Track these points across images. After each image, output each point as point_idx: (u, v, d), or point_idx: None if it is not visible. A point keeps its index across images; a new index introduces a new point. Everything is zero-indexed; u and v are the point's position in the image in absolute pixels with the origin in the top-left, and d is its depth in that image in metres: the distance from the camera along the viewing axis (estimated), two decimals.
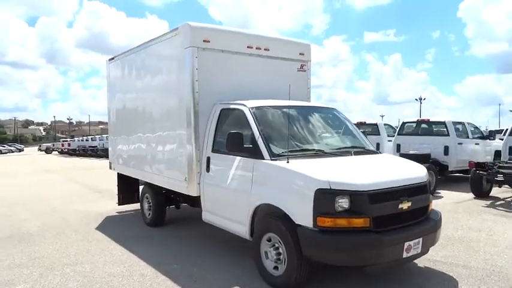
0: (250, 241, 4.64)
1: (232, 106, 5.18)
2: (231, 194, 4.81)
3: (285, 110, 5.09)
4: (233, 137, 4.52)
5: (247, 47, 5.81)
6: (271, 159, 4.33)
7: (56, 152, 43.10)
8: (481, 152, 11.92)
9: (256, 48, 5.89)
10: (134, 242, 6.13)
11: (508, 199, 9.51)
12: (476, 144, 11.74)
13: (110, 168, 8.51)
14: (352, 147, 4.99)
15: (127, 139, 7.47)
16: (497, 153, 12.20)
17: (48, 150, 45.34)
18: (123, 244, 6.04)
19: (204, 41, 5.39)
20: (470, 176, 9.54)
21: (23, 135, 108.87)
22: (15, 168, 22.02)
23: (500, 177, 8.68)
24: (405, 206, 4.05)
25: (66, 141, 45.03)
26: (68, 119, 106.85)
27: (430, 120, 12.01)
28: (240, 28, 6.65)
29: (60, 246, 6.04)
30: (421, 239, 4.08)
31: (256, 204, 4.42)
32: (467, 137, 11.61)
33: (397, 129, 12.77)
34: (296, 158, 4.31)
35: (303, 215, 3.87)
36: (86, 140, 40.64)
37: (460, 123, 11.76)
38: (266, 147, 4.42)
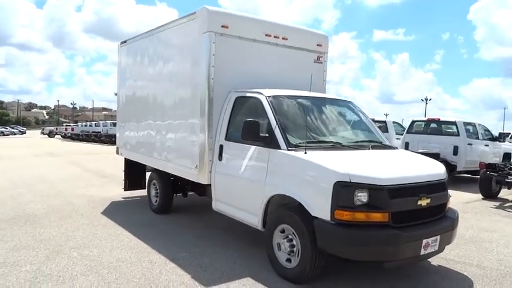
0: (262, 232, 4.57)
1: (248, 94, 5.07)
2: (244, 184, 4.72)
3: (301, 100, 5.00)
4: (249, 126, 4.42)
5: (266, 35, 5.68)
6: (288, 150, 4.22)
7: (59, 136, 43.02)
8: (490, 153, 11.79)
9: (275, 36, 5.76)
10: (141, 229, 6.06)
11: None
12: (485, 145, 11.61)
13: (117, 153, 8.44)
14: (370, 141, 4.88)
15: (136, 125, 7.37)
16: (506, 156, 12.09)
17: (51, 134, 45.24)
18: (130, 230, 5.96)
19: (222, 26, 5.27)
20: (480, 176, 9.44)
21: (25, 118, 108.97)
22: (18, 151, 21.97)
23: (511, 179, 8.57)
24: (424, 202, 3.96)
25: (70, 125, 44.94)
26: (71, 103, 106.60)
27: (441, 119, 11.88)
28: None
29: (66, 229, 5.97)
30: (438, 237, 4.00)
31: (271, 194, 4.33)
32: (477, 138, 11.48)
33: (407, 128, 12.64)
34: (313, 149, 4.21)
35: (320, 207, 3.78)
36: (90, 126, 40.51)
37: (470, 123, 11.63)
38: (283, 137, 4.32)
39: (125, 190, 8.26)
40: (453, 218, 4.32)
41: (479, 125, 11.86)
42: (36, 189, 9.21)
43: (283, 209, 4.23)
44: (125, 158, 8.16)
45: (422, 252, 3.88)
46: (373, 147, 4.66)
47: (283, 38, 5.85)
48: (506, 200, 9.39)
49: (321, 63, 6.40)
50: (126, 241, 5.47)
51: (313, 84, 6.09)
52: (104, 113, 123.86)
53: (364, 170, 3.79)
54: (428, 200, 3.98)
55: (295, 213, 4.05)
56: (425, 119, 12.50)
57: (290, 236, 4.17)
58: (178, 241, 5.50)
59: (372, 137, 5.07)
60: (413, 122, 12.42)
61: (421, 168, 4.30)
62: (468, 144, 10.93)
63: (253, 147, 4.62)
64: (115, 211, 7.20)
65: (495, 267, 4.85)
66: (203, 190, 6.35)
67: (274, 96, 4.78)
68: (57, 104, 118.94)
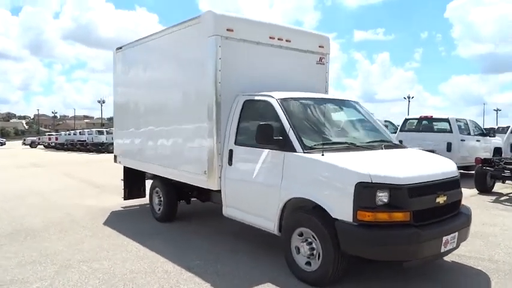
0: (274, 235, 4.54)
1: (257, 97, 5.03)
2: (257, 188, 4.67)
3: (311, 102, 5.00)
4: (263, 129, 4.38)
5: (270, 37, 5.66)
6: (304, 152, 4.20)
7: (42, 146, 42.07)
8: (481, 148, 12.04)
9: (278, 39, 5.75)
10: (148, 238, 5.94)
11: (511, 194, 9.61)
12: (477, 141, 11.85)
13: (115, 161, 8.26)
14: (381, 141, 4.90)
15: (137, 132, 7.23)
16: (496, 150, 12.34)
17: (33, 144, 44.18)
18: (137, 240, 5.84)
19: (227, 29, 5.22)
20: (475, 171, 9.61)
21: (4, 128, 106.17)
22: (2, 162, 21.38)
23: (507, 173, 8.75)
24: (441, 200, 3.99)
25: (53, 134, 44.01)
26: (52, 112, 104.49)
27: (433, 117, 12.07)
28: None
29: (70, 242, 5.81)
30: (456, 234, 4.04)
31: (287, 198, 4.29)
32: (469, 134, 11.71)
33: (400, 126, 12.81)
34: (329, 151, 4.19)
35: (341, 209, 3.77)
36: (74, 134, 39.75)
37: (462, 120, 11.85)
38: (298, 140, 4.29)
39: (124, 199, 8.10)
40: (468, 214, 4.37)
41: (470, 121, 12.10)
42: (29, 202, 8.95)
43: (302, 212, 4.20)
44: (124, 167, 8.01)
45: (443, 249, 3.91)
46: (386, 147, 4.68)
47: (286, 40, 5.84)
48: (501, 194, 9.58)
49: (323, 64, 6.41)
50: (135, 251, 5.35)
51: (316, 85, 6.18)
52: (85, 121, 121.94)
53: (384, 170, 3.79)
54: (445, 198, 4.01)
55: (314, 216, 4.03)
56: (417, 116, 12.69)
57: (309, 239, 4.13)
58: (189, 249, 5.42)
59: (382, 136, 5.09)
60: (406, 120, 12.60)
61: (436, 166, 4.33)
62: (461, 140, 11.14)
63: (266, 151, 4.58)
64: (117, 221, 7.04)
65: (507, 261, 4.92)
66: (208, 196, 6.31)
67: (285, 99, 4.76)
68: (37, 113, 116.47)
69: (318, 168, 4.02)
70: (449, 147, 11.00)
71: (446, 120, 11.36)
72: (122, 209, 8.14)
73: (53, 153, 31.42)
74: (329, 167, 3.92)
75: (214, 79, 5.17)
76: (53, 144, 37.97)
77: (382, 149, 4.61)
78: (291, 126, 4.39)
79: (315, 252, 4.08)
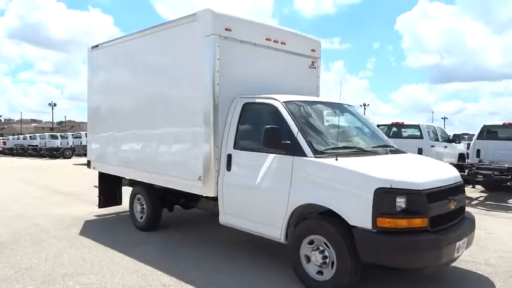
0: (285, 244, 4.35)
1: (258, 100, 4.83)
2: (261, 194, 4.46)
3: (312, 105, 4.88)
4: (271, 132, 4.19)
5: (266, 39, 5.50)
6: (315, 157, 4.05)
7: None
8: (448, 154, 12.53)
9: (274, 41, 5.59)
10: (134, 248, 5.53)
11: (481, 198, 10.03)
12: (444, 147, 12.31)
13: (89, 167, 7.71)
14: (384, 146, 4.86)
15: (116, 136, 6.77)
16: (461, 156, 12.90)
17: None
18: (121, 251, 5.42)
19: (226, 29, 5.00)
20: None
21: None
22: None
23: (480, 178, 9.11)
24: (452, 205, 3.98)
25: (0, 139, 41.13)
26: None
27: (404, 123, 12.41)
28: None
29: (47, 255, 5.28)
30: (466, 239, 4.04)
31: (297, 204, 4.11)
32: (437, 140, 12.14)
33: None
34: (340, 155, 4.07)
35: (359, 215, 3.65)
36: (24, 139, 37.37)
37: (430, 126, 12.27)
38: (308, 144, 4.14)
39: (99, 207, 7.57)
40: (472, 219, 4.41)
41: (437, 127, 12.57)
42: None
43: (313, 219, 4.04)
44: (100, 173, 7.49)
45: (455, 255, 3.90)
46: (391, 152, 4.64)
47: (281, 43, 5.70)
48: (471, 198, 9.96)
49: (315, 68, 6.33)
50: (124, 264, 4.95)
51: (307, 90, 6.08)
52: (33, 125, 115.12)
53: (402, 175, 3.72)
54: (455, 203, 4.02)
55: (328, 223, 3.88)
56: (389, 123, 13.00)
57: (321, 247, 3.98)
58: (181, 259, 5.09)
59: (383, 141, 5.06)
60: (377, 126, 12.84)
61: (444, 171, 4.33)
62: (431, 146, 11.51)
63: (271, 155, 4.39)
64: (94, 231, 6.53)
65: (501, 264, 5.03)
66: (197, 203, 6.03)
67: (290, 102, 4.60)
68: None
69: (332, 173, 3.88)
70: (420, 152, 11.31)
71: (417, 126, 11.73)
72: (96, 217, 7.60)
73: (3, 159, 29.32)
74: (346, 172, 3.79)
75: (212, 81, 4.91)
76: (1, 149, 35.46)
77: (388, 153, 4.57)
78: (299, 130, 4.23)
79: (327, 260, 3.93)
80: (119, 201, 7.73)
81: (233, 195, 4.81)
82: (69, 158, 27.42)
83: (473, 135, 11.98)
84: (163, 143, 5.77)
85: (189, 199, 6.25)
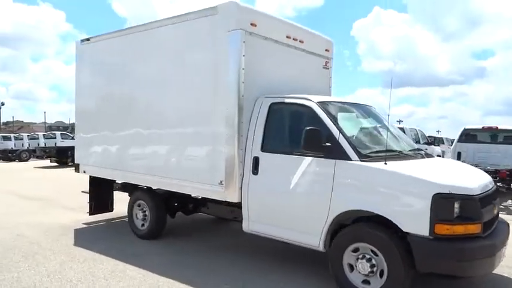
0: (322, 252, 4.12)
1: (288, 100, 4.58)
2: (296, 200, 4.21)
3: (344, 106, 4.68)
4: (312, 134, 3.95)
5: (286, 36, 5.26)
6: (361, 161, 3.86)
7: None
8: None
9: (294, 39, 5.37)
10: (143, 259, 5.10)
11: None
12: (425, 149, 12.61)
13: (77, 171, 7.07)
14: (417, 149, 4.76)
15: (114, 137, 6.23)
16: None
17: None
18: (131, 262, 4.97)
19: (251, 24, 4.70)
20: None
21: None
22: None
23: None
24: (495, 210, 3.94)
25: None
26: None
27: None
28: None
29: (48, 270, 4.72)
30: (507, 243, 4.01)
31: (340, 210, 3.90)
32: (418, 142, 12.42)
33: None
34: (383, 159, 3.91)
35: (415, 222, 3.49)
36: None
37: (413, 129, 12.54)
38: (352, 147, 3.94)
39: (90, 214, 6.98)
40: (507, 223, 4.39)
41: (418, 130, 12.86)
42: None
43: (360, 226, 3.84)
44: (91, 177, 6.91)
45: (501, 260, 3.84)
46: (427, 156, 4.54)
47: (300, 41, 5.48)
48: None
49: (328, 69, 6.17)
50: (139, 277, 4.52)
51: (322, 90, 5.90)
52: None
53: (456, 180, 3.62)
54: (496, 207, 3.98)
55: (377, 230, 3.70)
56: None
57: (367, 255, 3.78)
58: (203, 270, 4.74)
59: (412, 144, 4.97)
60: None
61: (481, 175, 4.28)
62: None
63: (308, 158, 4.15)
64: (89, 241, 5.97)
65: None
66: (208, 209, 5.68)
67: (325, 102, 4.39)
68: None
69: (383, 178, 3.70)
70: None
71: (402, 129, 11.92)
72: (86, 226, 7.00)
73: None
74: (400, 177, 3.62)
75: (237, 79, 4.60)
76: None
77: (424, 157, 4.46)
78: (340, 132, 4.02)
79: (375, 269, 3.74)
80: (110, 208, 7.19)
81: (261, 201, 4.52)
82: (27, 160, 25.67)
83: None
84: (175, 145, 5.35)
85: (197, 204, 5.88)
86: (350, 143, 3.96)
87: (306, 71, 5.76)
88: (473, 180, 3.82)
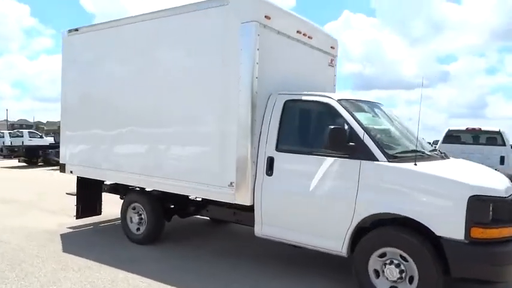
0: (344, 257, 3.92)
1: (305, 98, 4.36)
2: (317, 203, 3.99)
3: (362, 104, 4.51)
4: (336, 133, 3.75)
5: (297, 31, 5.04)
6: (388, 161, 3.68)
7: None
8: None
9: (303, 34, 5.15)
10: (142, 266, 4.76)
11: None
12: None
13: (63, 171, 6.57)
14: (434, 149, 4.65)
15: (107, 135, 5.78)
16: None
17: None
18: (131, 270, 4.60)
19: (265, 16, 4.45)
20: None
21: None
22: None
23: None
24: None
25: None
26: None
27: None
28: None
29: (39, 281, 4.28)
30: None
31: (367, 214, 3.71)
32: None
33: None
34: (410, 160, 3.76)
35: (448, 225, 3.35)
36: None
37: None
38: (378, 147, 3.76)
39: (77, 218, 6.50)
40: None
41: None
42: None
43: (388, 230, 3.67)
44: (79, 178, 6.44)
45: None
46: (446, 157, 4.43)
47: (309, 37, 5.28)
48: None
49: (333, 66, 6.00)
50: (145, 287, 4.17)
51: (326, 88, 5.73)
52: None
53: (488, 182, 3.51)
54: None
55: (407, 234, 3.53)
56: None
57: (396, 261, 3.61)
58: (204, 275, 4.47)
59: (427, 144, 4.85)
60: None
61: (503, 178, 4.20)
62: None
63: (330, 159, 3.94)
64: (79, 247, 5.52)
65: None
66: (209, 211, 5.39)
67: (345, 100, 4.19)
68: None
69: (414, 180, 3.53)
70: None
71: None
72: (71, 230, 6.51)
73: None
74: (432, 178, 3.47)
75: (250, 74, 4.34)
76: None
77: (444, 158, 4.35)
78: (364, 131, 3.83)
79: (404, 275, 3.58)
80: (98, 211, 6.74)
81: (277, 204, 4.27)
82: None
83: None
84: (179, 144, 5.00)
85: (196, 207, 5.57)
86: (376, 143, 3.78)
87: (313, 68, 5.58)
88: (501, 182, 3.73)
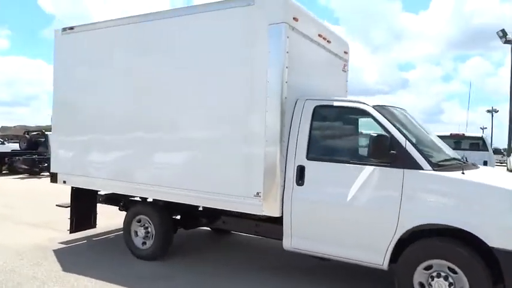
0: (384, 270, 3.76)
1: (337, 104, 4.18)
2: (355, 214, 3.80)
3: (395, 110, 4.37)
4: (380, 141, 3.60)
5: (318, 35, 4.87)
6: (434, 170, 3.56)
7: None
8: None
9: (323, 38, 4.99)
10: (158, 285, 4.38)
11: None
12: None
13: (54, 181, 6.00)
14: (463, 156, 4.60)
15: (110, 142, 5.32)
16: None
17: None
18: None
19: (294, 18, 4.25)
20: None
21: None
22: None
23: None
24: None
25: None
26: None
27: None
28: None
29: None
30: None
31: (412, 225, 3.56)
32: None
33: None
34: (454, 168, 3.66)
35: (504, 236, 3.26)
36: None
37: None
38: (422, 155, 3.63)
39: (71, 232, 5.98)
40: None
41: None
42: None
43: (434, 241, 3.53)
44: (74, 189, 5.93)
45: None
46: (475, 165, 4.38)
47: (328, 41, 5.12)
48: None
49: (345, 72, 5.88)
50: None
51: (340, 94, 5.60)
52: None
53: None
54: None
55: (457, 245, 3.41)
56: None
57: (443, 273, 3.48)
58: None
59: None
60: None
61: None
62: None
63: (369, 167, 3.77)
64: (79, 265, 5.04)
65: None
66: (225, 223, 5.09)
67: (381, 106, 4.04)
68: None
69: (464, 189, 3.42)
70: None
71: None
72: (64, 245, 5.97)
73: None
74: (483, 188, 3.37)
75: (280, 78, 4.11)
76: None
77: (475, 166, 4.29)
78: (406, 139, 3.70)
79: None
80: (93, 224, 6.25)
81: (309, 215, 4.05)
82: None
83: None
84: (198, 152, 4.65)
85: (212, 218, 5.24)
86: (419, 151, 3.65)
87: (329, 73, 5.44)
88: None
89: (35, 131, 21.30)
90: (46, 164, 16.37)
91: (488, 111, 49.69)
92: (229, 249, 5.98)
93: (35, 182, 14.33)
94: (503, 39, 26.85)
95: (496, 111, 50.10)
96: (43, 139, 18.98)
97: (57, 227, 6.78)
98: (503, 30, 26.76)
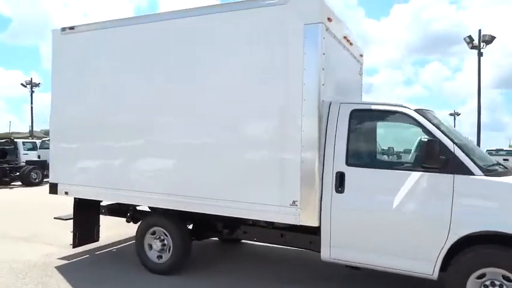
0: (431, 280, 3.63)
1: (376, 107, 4.03)
2: (402, 222, 3.66)
3: (434, 115, 4.26)
4: (431, 146, 3.48)
5: (344, 37, 4.72)
6: (485, 175, 3.47)
7: None
8: None
9: (347, 40, 4.86)
10: None
11: None
12: None
13: (54, 192, 5.51)
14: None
15: (122, 149, 4.93)
16: None
17: None
18: None
19: (328, 18, 4.08)
20: None
21: None
22: None
23: None
24: None
25: None
26: None
27: None
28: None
29: None
30: None
31: (465, 232, 3.44)
32: None
33: None
34: (504, 173, 3.61)
35: None
36: None
37: None
38: (472, 160, 3.54)
39: (74, 247, 5.53)
40: None
41: None
42: None
43: (488, 249, 3.44)
44: (77, 201, 5.49)
45: None
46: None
47: (350, 44, 5.00)
48: None
49: (360, 75, 5.78)
50: None
51: (356, 98, 5.50)
52: None
53: None
54: None
55: (510, 252, 3.33)
56: None
57: (497, 281, 3.39)
58: None
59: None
60: None
61: None
62: None
63: (415, 173, 3.64)
64: (89, 282, 4.69)
65: None
66: (247, 233, 4.83)
67: (421, 110, 3.92)
68: None
69: None
70: None
71: None
72: (67, 261, 5.50)
73: None
74: None
75: (317, 81, 3.93)
76: None
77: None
78: (454, 143, 3.60)
79: None
80: (96, 237, 5.82)
81: (351, 224, 3.87)
82: None
83: None
84: (226, 159, 4.36)
85: (231, 228, 4.96)
86: (468, 156, 3.56)
87: (349, 76, 5.32)
88: None
89: (3, 139, 20.00)
90: (18, 173, 15.41)
91: (451, 114, 51.44)
92: (240, 259, 5.72)
93: (8, 193, 13.42)
94: (470, 45, 27.87)
95: (458, 114, 52.14)
96: (12, 147, 17.89)
97: (49, 241, 6.35)
98: (470, 37, 27.77)
